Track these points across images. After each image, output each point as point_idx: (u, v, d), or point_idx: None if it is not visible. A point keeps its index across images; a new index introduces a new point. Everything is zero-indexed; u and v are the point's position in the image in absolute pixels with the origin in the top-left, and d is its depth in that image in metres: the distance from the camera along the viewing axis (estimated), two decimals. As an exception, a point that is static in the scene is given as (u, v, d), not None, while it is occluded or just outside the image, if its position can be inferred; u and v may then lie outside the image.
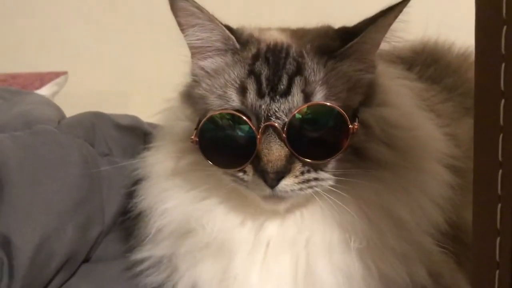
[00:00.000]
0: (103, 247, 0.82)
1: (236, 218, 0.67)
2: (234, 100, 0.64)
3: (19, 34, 1.83)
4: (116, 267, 0.77)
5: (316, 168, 0.63)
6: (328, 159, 0.62)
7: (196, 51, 0.70)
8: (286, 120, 0.61)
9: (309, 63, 0.65)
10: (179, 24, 0.68)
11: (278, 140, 0.61)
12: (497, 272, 0.41)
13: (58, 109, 0.94)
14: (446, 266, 0.67)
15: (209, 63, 0.69)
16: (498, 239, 0.41)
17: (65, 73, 1.60)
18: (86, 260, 0.80)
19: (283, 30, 0.73)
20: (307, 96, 0.63)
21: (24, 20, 1.83)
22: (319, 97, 0.63)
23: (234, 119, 0.64)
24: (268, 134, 0.62)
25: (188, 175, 0.70)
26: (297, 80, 0.63)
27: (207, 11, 0.67)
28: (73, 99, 1.56)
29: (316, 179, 0.62)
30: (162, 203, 0.70)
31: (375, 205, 0.64)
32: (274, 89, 0.63)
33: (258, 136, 0.61)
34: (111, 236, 0.84)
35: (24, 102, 0.89)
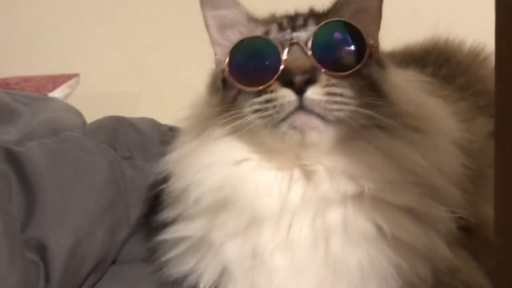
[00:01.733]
0: (127, 249, 0.85)
1: (265, 186, 0.68)
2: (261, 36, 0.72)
3: (30, 37, 1.84)
4: (143, 268, 0.79)
5: (341, 85, 0.66)
6: (351, 71, 0.67)
7: (222, 29, 0.77)
8: (308, 39, 0.67)
9: (319, 15, 0.74)
10: (204, 5, 0.76)
11: (302, 54, 0.66)
12: None
13: (79, 115, 0.96)
14: (464, 261, 0.68)
15: (235, 35, 0.76)
16: None
17: (77, 75, 1.62)
18: (113, 261, 0.82)
19: None
20: None
21: (35, 23, 1.84)
22: None
23: (262, 43, 0.69)
24: (293, 52, 0.67)
25: (219, 140, 0.71)
26: (311, 19, 0.72)
27: None
28: (85, 101, 1.58)
29: (341, 95, 0.65)
30: (197, 172, 0.70)
31: (386, 152, 0.67)
32: (293, 26, 0.72)
33: (284, 54, 0.67)
34: (135, 238, 0.86)
35: (48, 108, 0.90)
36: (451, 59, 1.00)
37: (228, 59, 0.71)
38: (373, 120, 0.66)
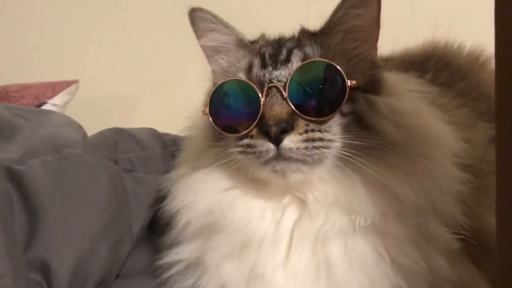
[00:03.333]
0: (130, 262, 0.85)
1: (256, 210, 0.69)
2: (242, 77, 0.71)
3: (29, 44, 1.84)
4: (146, 282, 0.79)
5: (320, 129, 0.65)
6: (329, 116, 0.66)
7: (212, 53, 0.78)
8: (287, 81, 0.66)
9: (307, 42, 0.72)
10: (196, 31, 0.77)
11: (280, 99, 0.66)
12: None
13: (80, 128, 0.96)
14: (468, 270, 0.68)
15: (224, 60, 0.77)
16: None
17: (76, 81, 1.62)
18: (116, 276, 0.82)
19: None
20: None
21: (34, 30, 1.84)
22: None
23: (240, 86, 0.70)
24: (271, 96, 0.66)
25: (209, 170, 0.73)
26: (295, 51, 0.70)
27: (221, 18, 0.76)
28: (85, 107, 1.58)
29: (321, 139, 0.65)
30: (187, 197, 0.73)
31: (377, 182, 0.65)
32: (275, 61, 0.70)
33: (262, 98, 0.66)
34: (137, 251, 0.86)
35: (48, 123, 0.90)
36: (451, 63, 1.00)
37: (208, 102, 0.72)
38: (363, 151, 0.65)
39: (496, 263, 0.47)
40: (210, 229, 0.71)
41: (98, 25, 1.81)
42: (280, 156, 0.65)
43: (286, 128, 0.64)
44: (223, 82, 0.72)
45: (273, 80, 0.68)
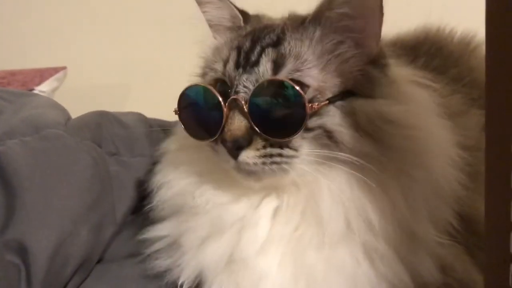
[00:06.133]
0: (115, 247, 0.83)
1: (228, 195, 0.68)
2: (219, 70, 0.68)
3: (16, 30, 1.81)
4: (130, 266, 0.77)
5: (280, 144, 0.63)
6: (288, 138, 0.62)
7: (210, 28, 0.76)
8: (249, 94, 0.63)
9: (288, 38, 0.66)
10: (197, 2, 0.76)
11: (241, 113, 0.63)
12: (511, 265, 0.42)
13: (63, 110, 0.93)
14: (458, 258, 0.67)
15: (217, 40, 0.74)
16: (511, 233, 0.42)
17: (64, 68, 1.59)
18: (99, 260, 0.80)
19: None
20: (276, 67, 0.64)
21: (21, 16, 1.82)
22: (287, 69, 0.64)
23: (205, 92, 0.67)
24: (234, 107, 0.64)
25: (193, 152, 0.72)
26: (268, 51, 0.65)
27: None
28: (74, 94, 1.56)
29: (280, 155, 0.62)
30: (164, 176, 0.73)
31: (348, 196, 0.62)
32: (247, 60, 0.66)
33: (225, 109, 0.64)
34: (122, 236, 0.85)
35: (30, 105, 0.88)
36: (443, 49, 0.98)
37: (177, 104, 0.70)
38: (332, 161, 0.62)
39: (484, 248, 0.46)
40: (185, 211, 0.70)
41: (87, 11, 1.78)
42: (239, 167, 0.63)
43: (242, 144, 0.62)
44: (189, 86, 0.68)
45: (240, 88, 0.64)
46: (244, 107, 0.62)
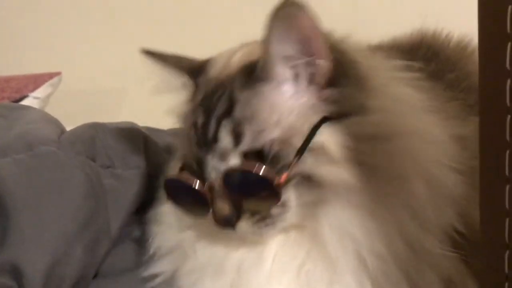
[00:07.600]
0: (110, 262, 0.82)
1: (229, 243, 0.68)
2: (187, 152, 0.68)
3: (10, 36, 1.81)
4: (126, 282, 0.77)
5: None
6: (269, 210, 0.63)
7: None
8: (220, 174, 0.63)
9: (240, 98, 0.62)
10: None
11: (220, 195, 0.63)
12: (506, 284, 0.42)
13: (56, 124, 0.93)
14: (456, 269, 0.66)
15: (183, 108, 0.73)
16: (507, 253, 0.42)
17: (58, 73, 1.59)
18: (94, 275, 0.80)
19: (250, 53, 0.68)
20: (236, 138, 0.62)
21: (15, 22, 1.81)
22: (248, 139, 0.61)
23: (184, 183, 0.66)
24: (213, 189, 0.64)
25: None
26: (225, 123, 0.62)
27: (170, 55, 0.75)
28: (68, 100, 1.55)
29: (271, 215, 0.63)
30: (158, 225, 0.75)
31: (351, 230, 0.61)
32: (205, 138, 0.63)
33: (207, 193, 0.64)
34: (117, 250, 0.84)
35: (23, 120, 0.87)
36: (439, 53, 0.97)
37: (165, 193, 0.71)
38: (324, 201, 0.62)
39: (481, 257, 0.46)
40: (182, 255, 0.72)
41: (82, 16, 1.77)
42: (239, 235, 0.65)
43: (231, 221, 0.63)
44: (167, 179, 0.70)
45: (209, 169, 0.63)
46: (220, 190, 0.63)
